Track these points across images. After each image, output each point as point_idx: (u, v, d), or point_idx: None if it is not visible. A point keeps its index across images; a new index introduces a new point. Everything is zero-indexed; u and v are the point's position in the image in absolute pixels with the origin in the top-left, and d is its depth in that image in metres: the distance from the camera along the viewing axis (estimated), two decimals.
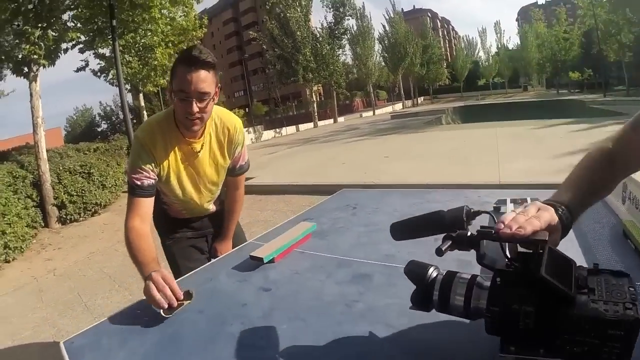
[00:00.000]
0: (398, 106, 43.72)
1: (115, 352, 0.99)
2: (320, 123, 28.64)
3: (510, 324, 0.57)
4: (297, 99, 47.49)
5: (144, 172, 1.40)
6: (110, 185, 8.14)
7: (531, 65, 47.22)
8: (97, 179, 7.73)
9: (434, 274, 0.71)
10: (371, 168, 7.80)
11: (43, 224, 6.75)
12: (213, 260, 1.56)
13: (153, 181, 1.42)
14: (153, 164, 1.42)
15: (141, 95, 13.23)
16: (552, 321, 0.54)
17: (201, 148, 1.51)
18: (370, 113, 36.87)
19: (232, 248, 1.81)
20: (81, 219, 7.28)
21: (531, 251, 0.58)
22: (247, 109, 38.74)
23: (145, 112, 13.72)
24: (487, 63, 60.95)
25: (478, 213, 0.71)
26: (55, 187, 6.92)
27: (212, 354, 0.93)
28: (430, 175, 6.37)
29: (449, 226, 0.70)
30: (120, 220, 6.90)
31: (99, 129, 41.50)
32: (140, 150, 1.40)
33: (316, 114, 28.06)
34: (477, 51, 63.95)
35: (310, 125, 27.86)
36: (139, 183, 1.39)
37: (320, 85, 29.37)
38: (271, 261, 1.37)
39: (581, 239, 1.22)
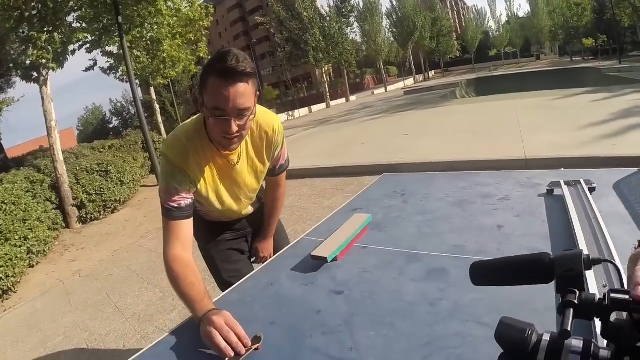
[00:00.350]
0: (409, 81, 43.11)
1: None
2: (333, 103, 28.32)
3: None
4: (308, 80, 47.05)
5: (180, 193, 1.22)
6: (128, 181, 8.13)
7: (543, 33, 46.08)
8: (114, 176, 7.72)
9: (534, 339, 0.54)
10: (392, 146, 7.59)
11: (64, 225, 6.74)
12: (268, 262, 1.44)
13: (191, 200, 1.25)
14: (189, 183, 1.25)
15: (152, 88, 13.16)
16: None
17: (238, 159, 1.34)
18: (382, 90, 36.28)
19: (274, 245, 1.76)
20: (102, 217, 7.28)
21: None
22: (257, 93, 38.67)
23: (156, 104, 13.72)
24: (497, 33, 59.61)
25: (598, 262, 0.54)
26: (74, 188, 6.91)
27: None
28: (456, 152, 6.15)
29: (560, 279, 0.53)
30: (141, 214, 7.01)
31: (111, 126, 42.08)
32: (173, 170, 1.22)
33: (328, 94, 27.72)
34: (487, 21, 62.33)
35: (323, 105, 27.58)
36: (175, 205, 1.21)
37: (330, 65, 28.92)
38: (334, 259, 1.26)
39: None
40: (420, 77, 46.92)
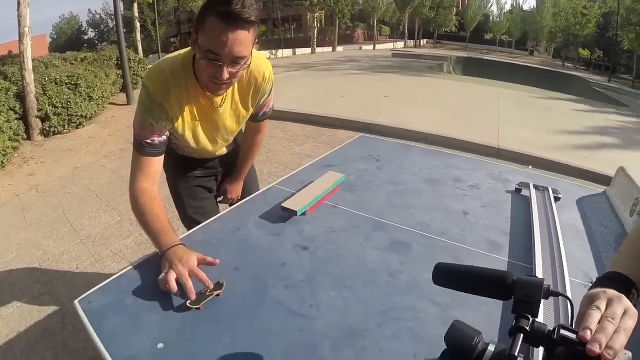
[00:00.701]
0: (399, 44, 42.25)
1: (145, 317, 0.87)
2: (318, 49, 27.45)
3: None
4: (297, 22, 45.40)
5: (155, 129, 1.18)
6: (97, 97, 7.74)
7: (542, 32, 45.49)
8: (84, 90, 7.32)
9: (480, 347, 0.58)
10: (371, 106, 7.54)
11: (25, 137, 6.42)
12: (236, 205, 1.43)
13: (165, 137, 1.21)
14: (166, 120, 1.19)
15: (135, 4, 12.47)
16: None
17: (222, 102, 1.28)
18: (371, 47, 35.46)
19: (243, 188, 1.76)
20: (65, 131, 6.96)
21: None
22: (255, 41, 37.36)
23: (137, 22, 13.08)
24: (498, 19, 58.64)
25: (556, 294, 0.58)
26: (40, 99, 6.53)
27: (260, 322, 0.85)
28: (432, 125, 6.21)
29: (518, 301, 0.56)
30: (106, 132, 6.79)
31: (86, 37, 40.01)
32: (151, 105, 1.16)
33: (315, 40, 26.91)
34: (490, 4, 61.10)
35: (308, 50, 26.61)
36: (149, 141, 1.17)
37: (323, 11, 27.98)
38: (303, 214, 1.28)
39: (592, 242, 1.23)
40: (411, 42, 46.14)
